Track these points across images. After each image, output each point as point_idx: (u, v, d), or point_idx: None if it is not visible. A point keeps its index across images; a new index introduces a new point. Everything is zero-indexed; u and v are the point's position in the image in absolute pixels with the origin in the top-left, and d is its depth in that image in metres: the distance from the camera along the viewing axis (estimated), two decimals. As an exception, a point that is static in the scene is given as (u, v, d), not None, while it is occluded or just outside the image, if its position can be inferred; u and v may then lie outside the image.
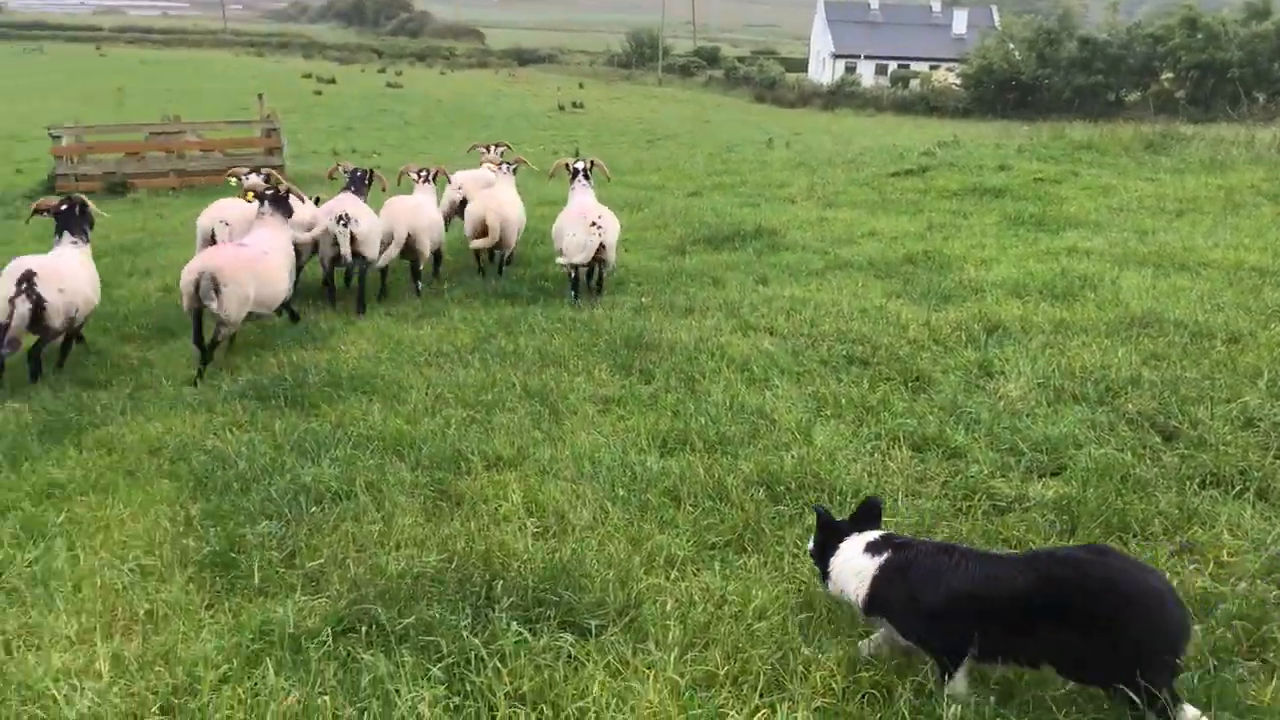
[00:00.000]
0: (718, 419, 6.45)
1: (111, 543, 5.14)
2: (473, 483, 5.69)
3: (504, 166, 11.86)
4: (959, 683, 3.78)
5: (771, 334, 8.27)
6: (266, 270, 8.40)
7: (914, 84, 74.48)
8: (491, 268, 11.39)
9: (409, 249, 10.35)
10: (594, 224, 9.71)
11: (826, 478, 5.53)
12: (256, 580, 4.69)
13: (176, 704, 3.88)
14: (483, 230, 10.70)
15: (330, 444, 6.23)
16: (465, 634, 4.14)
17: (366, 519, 5.25)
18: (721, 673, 3.96)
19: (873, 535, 4.13)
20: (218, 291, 7.93)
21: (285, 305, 9.14)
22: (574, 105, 60.86)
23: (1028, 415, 6.33)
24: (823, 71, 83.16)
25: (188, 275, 8.01)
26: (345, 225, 9.59)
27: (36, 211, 8.94)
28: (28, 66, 71.65)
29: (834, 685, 3.88)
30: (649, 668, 3.97)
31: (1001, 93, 66.41)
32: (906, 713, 3.71)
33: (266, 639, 4.21)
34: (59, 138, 19.90)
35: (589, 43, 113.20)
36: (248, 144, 22.16)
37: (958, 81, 71.10)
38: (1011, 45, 67.69)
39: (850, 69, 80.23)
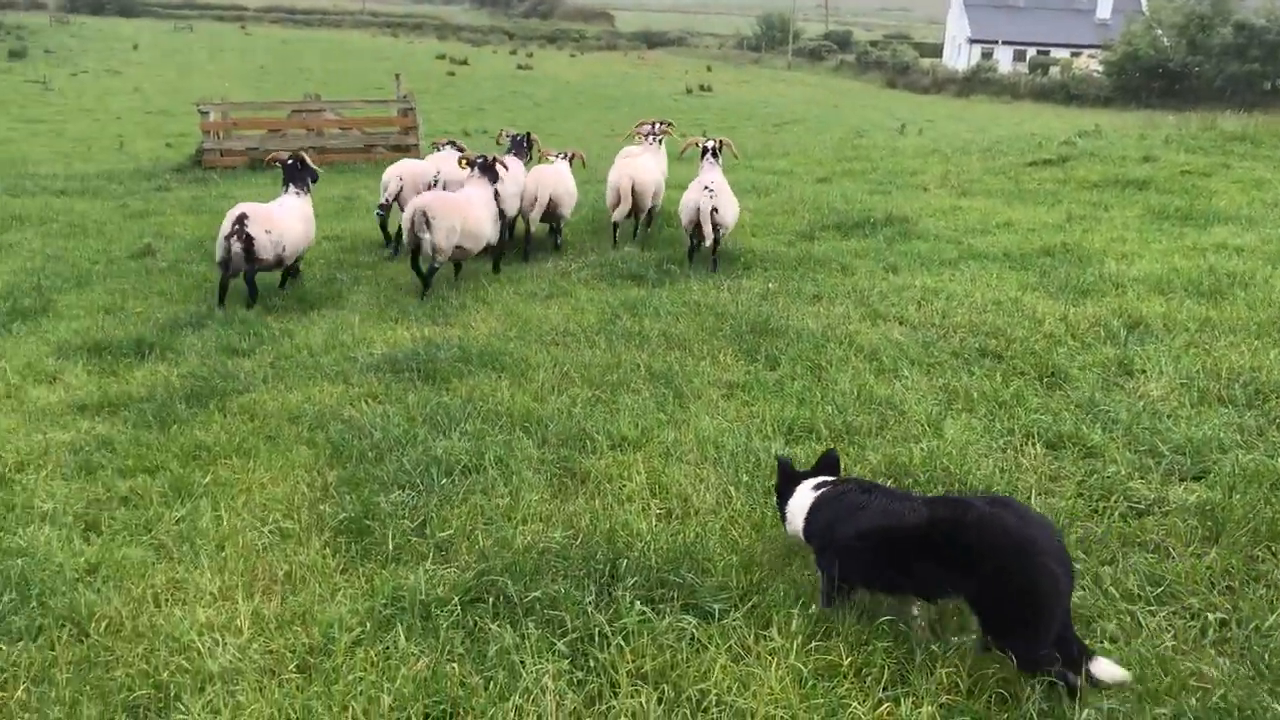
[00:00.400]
0: (844, 408, 6.39)
1: (253, 505, 5.35)
2: (598, 461, 5.75)
3: (650, 137, 12.66)
4: (838, 607, 4.22)
5: (901, 324, 8.14)
6: (470, 214, 9.83)
7: (1053, 71, 72.20)
8: (626, 239, 12.06)
9: (550, 213, 11.59)
10: (707, 187, 10.39)
11: (956, 472, 5.43)
12: (390, 547, 4.83)
13: (312, 663, 4.03)
14: (617, 198, 11.61)
15: (460, 418, 6.37)
16: (590, 610, 4.20)
17: (495, 493, 5.35)
18: (845, 663, 3.93)
19: (820, 479, 4.55)
20: (429, 225, 9.43)
21: (490, 250, 10.56)
22: (701, 88, 60.74)
23: (1169, 416, 6.10)
24: (958, 57, 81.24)
25: (406, 212, 9.74)
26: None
27: (267, 163, 11.15)
28: (178, 44, 74.55)
29: (959, 682, 3.82)
30: (771, 654, 3.97)
31: (1147, 81, 63.90)
32: (1035, 715, 3.63)
33: (398, 605, 4.33)
34: (207, 114, 20.66)
35: (719, 25, 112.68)
36: (384, 123, 22.66)
37: (1100, 69, 68.68)
38: (1159, 31, 65.03)
39: (987, 55, 78.18)
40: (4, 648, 4.15)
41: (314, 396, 6.89)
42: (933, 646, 4.00)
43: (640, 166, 11.81)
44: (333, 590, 4.52)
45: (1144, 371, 6.81)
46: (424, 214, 9.48)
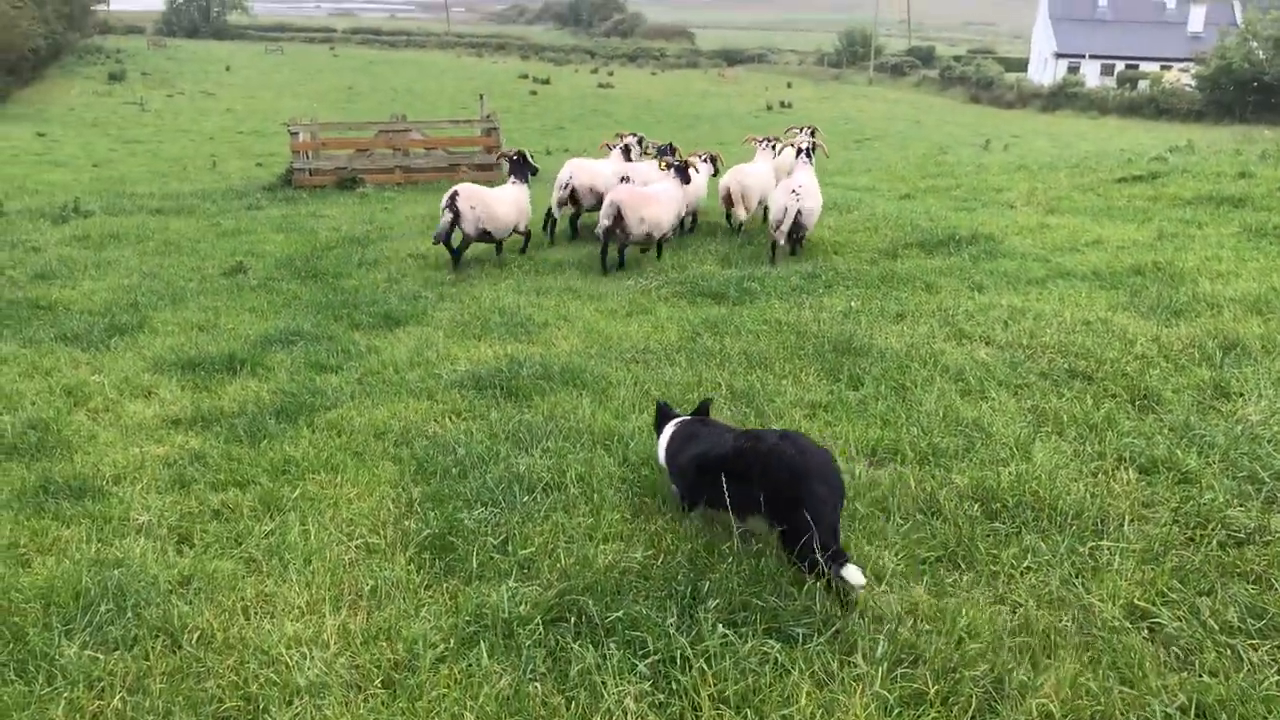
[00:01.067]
0: (930, 429, 6.29)
1: (339, 520, 5.43)
2: (679, 481, 5.72)
3: (764, 142, 14.12)
4: (695, 517, 5.13)
5: (988, 344, 8.00)
6: (654, 206, 11.55)
7: (1142, 85, 70.68)
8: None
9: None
10: (794, 191, 11.32)
11: (1046, 496, 5.30)
12: (474, 565, 4.86)
13: (397, 679, 4.06)
14: (728, 198, 13.09)
15: (542, 435, 6.40)
16: (671, 632, 4.18)
17: (576, 511, 5.36)
18: (931, 691, 3.85)
19: (681, 419, 5.53)
20: (621, 215, 11.16)
21: (667, 239, 12.24)
22: (781, 105, 60.65)
23: (1270, 441, 5.89)
24: (1044, 72, 79.93)
25: (605, 206, 11.39)
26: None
27: (497, 160, 13.38)
28: (269, 66, 76.45)
29: (1053, 711, 3.72)
30: (855, 681, 3.91)
31: (1241, 94, 62.17)
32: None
33: (481, 622, 4.35)
34: (296, 134, 21.15)
35: (800, 42, 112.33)
36: (468, 143, 22.98)
37: (1191, 82, 67.03)
38: (1254, 43, 63.27)
39: (1073, 69, 76.83)
40: (101, 657, 4.26)
41: (399, 413, 6.98)
42: (1020, 675, 3.90)
43: (750, 172, 13.16)
44: (417, 606, 4.56)
45: (1241, 395, 6.60)
46: (617, 206, 11.26)
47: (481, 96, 25.91)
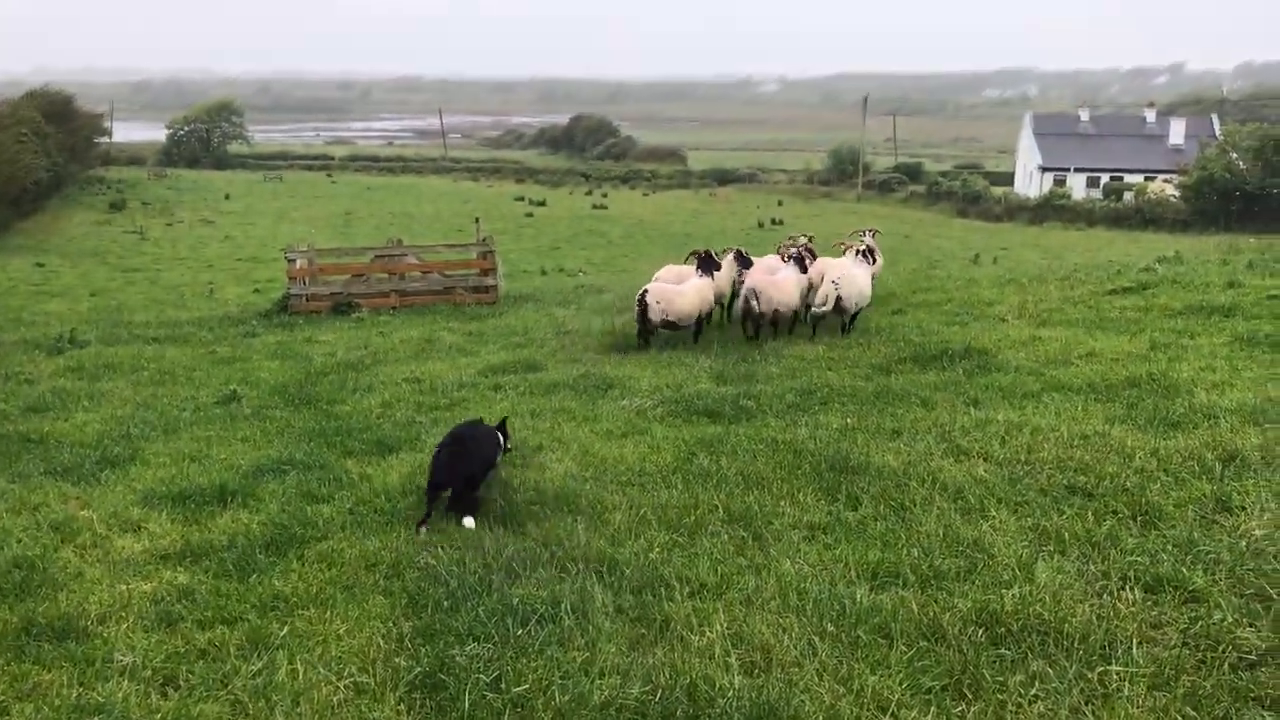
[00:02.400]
0: (930, 551, 6.19)
1: (329, 658, 5.29)
2: (676, 609, 5.61)
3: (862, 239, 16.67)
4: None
5: (986, 460, 7.94)
6: (782, 288, 14.39)
7: (1127, 196, 71.94)
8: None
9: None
10: (834, 281, 13.99)
11: (1051, 619, 5.19)
12: (466, 704, 4.72)
13: (385, 829, 3.90)
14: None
15: (536, 563, 6.30)
16: (670, 773, 4.03)
17: (571, 644, 5.24)
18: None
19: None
20: (757, 297, 14.09)
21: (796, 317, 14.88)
22: (773, 222, 61.56)
23: (1275, 556, 5.79)
24: (1029, 185, 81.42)
25: (744, 290, 14.42)
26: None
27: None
28: (268, 193, 77.76)
29: None
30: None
31: (1224, 204, 63.30)
32: None
33: (473, 766, 4.21)
34: (294, 260, 21.37)
35: (789, 161, 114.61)
36: (463, 266, 23.22)
37: (1175, 193, 68.27)
38: (1235, 154, 64.68)
39: (1059, 181, 78.26)
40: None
41: (391, 543, 6.87)
42: None
43: (834, 265, 15.32)
44: (407, 749, 4.41)
45: (1244, 508, 6.52)
46: (754, 290, 14.17)
47: (477, 220, 26.27)
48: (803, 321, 15.05)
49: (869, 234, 17.20)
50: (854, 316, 14.50)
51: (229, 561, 6.69)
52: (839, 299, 14.01)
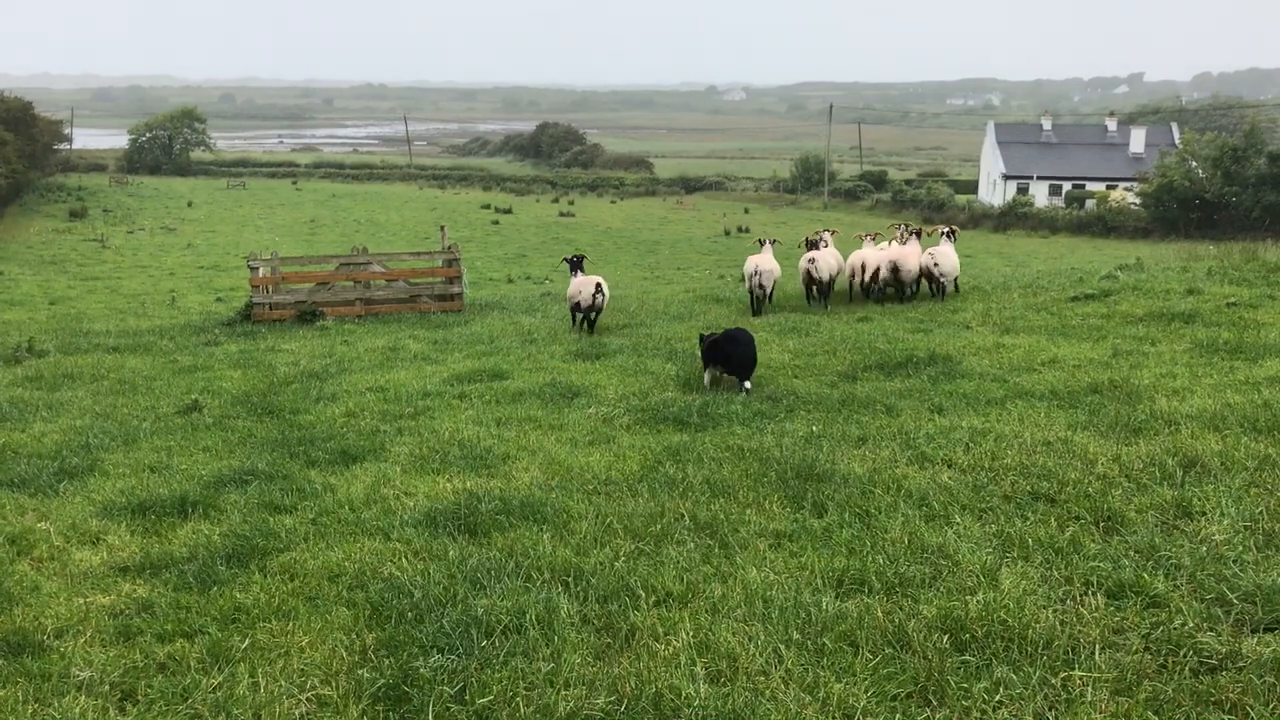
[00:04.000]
0: (895, 558, 6.21)
1: (290, 670, 5.23)
2: (642, 618, 5.60)
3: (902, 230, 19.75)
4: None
5: (950, 466, 7.99)
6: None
7: (1089, 204, 72.81)
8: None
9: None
10: (929, 251, 18.77)
11: (1015, 625, 5.21)
12: (430, 718, 4.68)
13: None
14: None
15: (501, 574, 6.26)
16: (635, 784, 4.01)
17: (536, 655, 5.20)
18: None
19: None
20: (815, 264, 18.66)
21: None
22: (739, 230, 61.81)
23: (1235, 561, 5.86)
24: (993, 193, 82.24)
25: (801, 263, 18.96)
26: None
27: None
28: (231, 201, 77.16)
29: None
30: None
31: (1184, 212, 64.27)
32: None
33: (436, 779, 4.17)
34: (256, 269, 21.17)
35: (755, 169, 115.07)
36: (429, 274, 23.11)
37: (1136, 201, 69.18)
38: (1194, 163, 65.64)
39: (1022, 190, 79.10)
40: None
41: (354, 554, 6.81)
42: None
43: (908, 253, 18.79)
44: (369, 763, 4.37)
45: (1204, 513, 6.60)
46: (812, 259, 18.57)
47: (443, 227, 26.12)
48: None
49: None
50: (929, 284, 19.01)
51: (189, 574, 6.60)
52: (935, 264, 18.48)
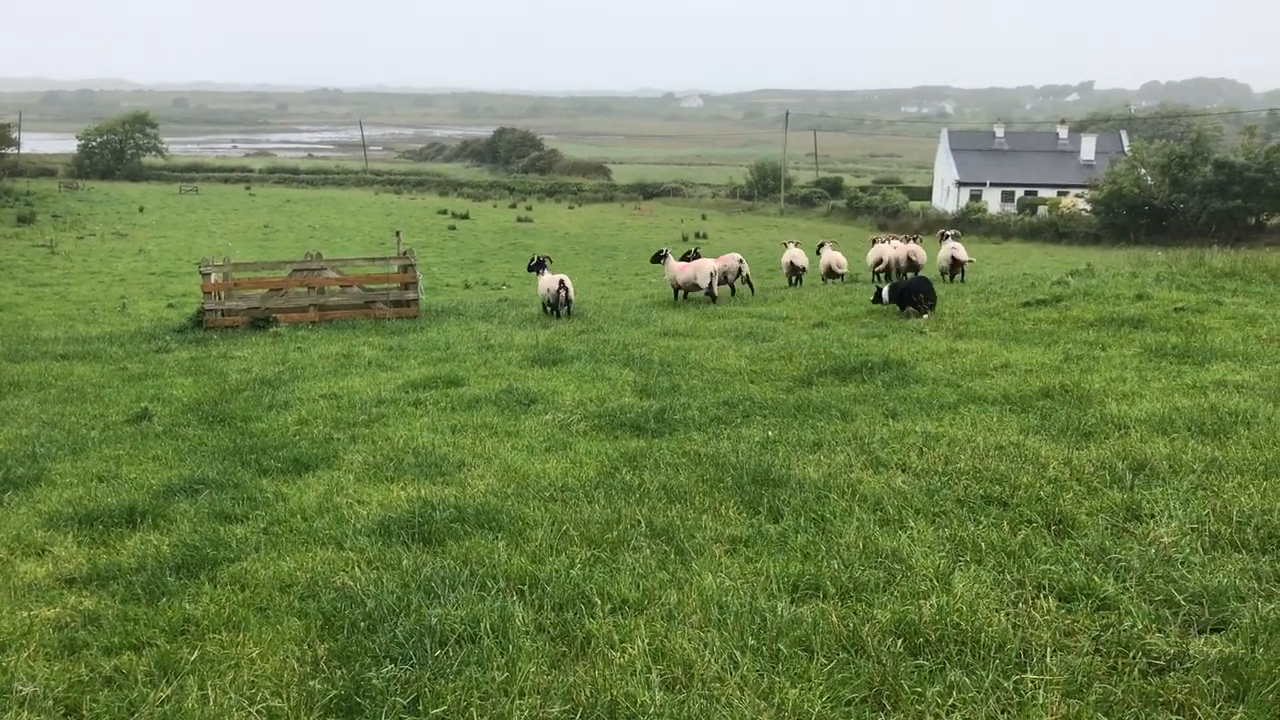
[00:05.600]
0: (850, 563, 6.23)
1: (240, 682, 5.15)
2: (598, 626, 5.57)
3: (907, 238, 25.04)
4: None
5: (904, 471, 8.03)
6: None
7: (1041, 210, 73.75)
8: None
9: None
10: (952, 239, 23.63)
11: (968, 629, 5.24)
12: (380, 728, 4.62)
13: None
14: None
15: (455, 582, 6.21)
16: (590, 793, 3.99)
17: (491, 664, 5.16)
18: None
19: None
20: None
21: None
22: (697, 235, 61.94)
23: (1183, 563, 5.94)
24: (947, 199, 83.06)
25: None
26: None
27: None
28: (183, 206, 76.26)
29: None
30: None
31: (1134, 218, 65.29)
32: None
33: (388, 791, 4.12)
34: (208, 275, 20.92)
35: (712, 176, 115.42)
36: (384, 279, 22.96)
37: (1087, 207, 70.15)
38: (1143, 170, 66.70)
39: (975, 196, 79.95)
40: None
41: (306, 563, 6.73)
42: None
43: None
44: (320, 776, 4.31)
45: (1153, 516, 6.68)
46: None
47: (398, 233, 26.00)
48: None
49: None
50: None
51: (137, 585, 6.49)
52: (954, 257, 22.57)
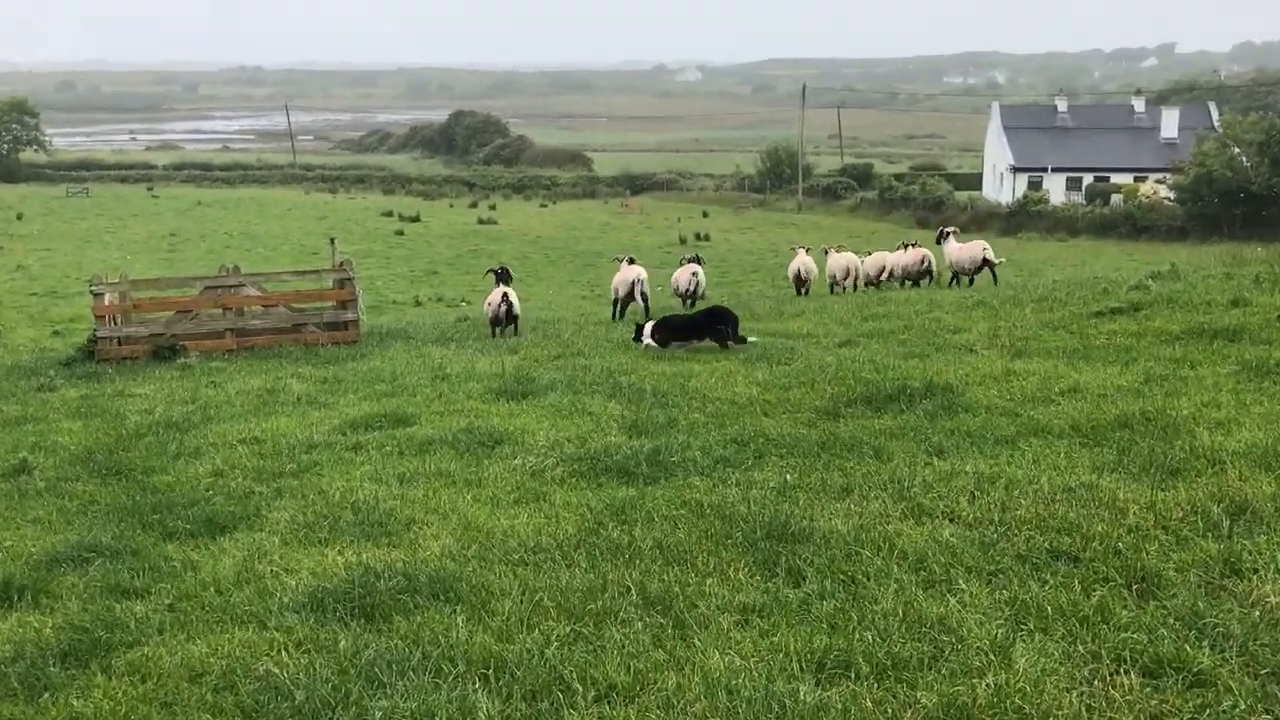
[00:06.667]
0: (888, 634, 6.22)
1: (139, 797, 5.12)
2: (579, 718, 5.55)
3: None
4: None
5: (952, 520, 8.03)
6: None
7: (1115, 199, 74.09)
8: None
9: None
10: (985, 247, 28.67)
11: (1033, 713, 5.23)
12: None
13: None
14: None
15: (405, 668, 6.19)
16: None
17: (448, 768, 5.13)
18: None
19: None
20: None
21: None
22: (697, 238, 62.27)
23: (1294, 628, 5.94)
24: (1000, 188, 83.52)
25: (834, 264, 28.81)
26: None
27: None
28: (71, 212, 76.37)
29: None
30: None
31: (1227, 207, 65.59)
32: None
33: None
34: (101, 295, 20.93)
35: (715, 164, 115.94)
36: (317, 297, 22.99)
37: (1170, 195, 70.48)
38: (1237, 149, 67.04)
39: (1035, 184, 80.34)
40: None
41: (221, 647, 6.71)
42: None
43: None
44: None
45: (1256, 571, 6.67)
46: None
47: (333, 241, 26.08)
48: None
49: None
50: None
51: (13, 677, 6.47)
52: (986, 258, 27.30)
